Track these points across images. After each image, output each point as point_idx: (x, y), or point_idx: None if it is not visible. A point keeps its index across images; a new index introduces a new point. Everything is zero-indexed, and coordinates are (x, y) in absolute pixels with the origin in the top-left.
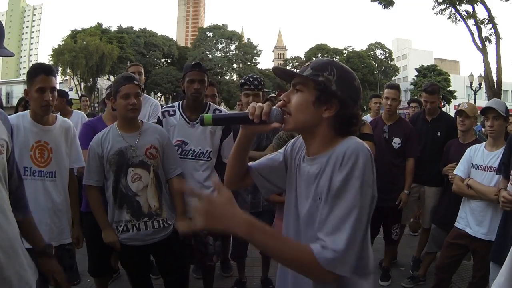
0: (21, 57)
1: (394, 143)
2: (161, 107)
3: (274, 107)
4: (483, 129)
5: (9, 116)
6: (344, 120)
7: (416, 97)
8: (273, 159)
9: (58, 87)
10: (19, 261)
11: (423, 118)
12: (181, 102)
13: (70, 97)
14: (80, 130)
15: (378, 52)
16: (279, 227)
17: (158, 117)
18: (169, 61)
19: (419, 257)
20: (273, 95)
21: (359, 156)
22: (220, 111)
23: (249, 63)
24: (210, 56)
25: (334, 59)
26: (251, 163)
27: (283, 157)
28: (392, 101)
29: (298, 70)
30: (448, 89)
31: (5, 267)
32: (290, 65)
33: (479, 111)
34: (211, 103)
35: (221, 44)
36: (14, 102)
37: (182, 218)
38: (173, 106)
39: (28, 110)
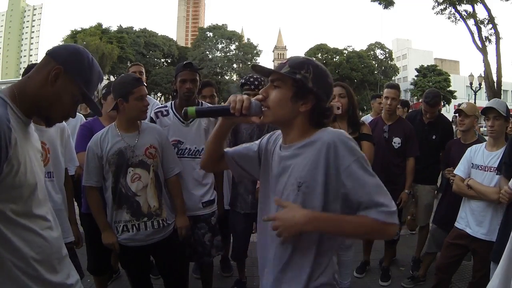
0: (21, 57)
1: (394, 142)
2: None
3: (253, 99)
4: (480, 128)
5: None
6: (319, 113)
7: (416, 97)
8: (248, 148)
9: None
10: (68, 265)
11: (420, 119)
12: (173, 102)
13: None
14: (77, 132)
15: (378, 52)
16: None
17: (151, 118)
18: (169, 61)
19: (419, 257)
20: None
21: (347, 141)
22: None
23: (249, 63)
24: (210, 56)
25: (334, 59)
26: (227, 149)
27: (258, 148)
28: (392, 101)
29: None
30: (448, 89)
31: (58, 270)
32: None
33: (479, 111)
34: (203, 102)
35: (221, 44)
36: None
37: (182, 217)
38: (166, 107)
39: None
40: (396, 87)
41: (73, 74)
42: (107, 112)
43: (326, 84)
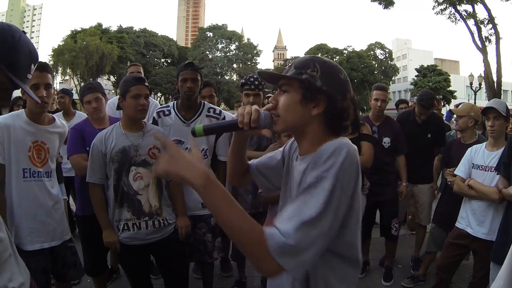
0: None
1: (384, 142)
2: None
3: (263, 109)
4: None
5: (3, 116)
6: (334, 115)
7: (415, 96)
8: (272, 157)
9: (58, 87)
10: (9, 268)
11: (413, 120)
12: (175, 102)
13: None
14: (68, 135)
15: (378, 52)
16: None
17: (154, 117)
18: (169, 61)
19: (419, 256)
20: (270, 95)
21: (339, 155)
22: (215, 109)
23: (249, 63)
24: (210, 56)
25: (334, 59)
26: (251, 161)
27: (282, 156)
28: (381, 102)
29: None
30: (448, 89)
31: None
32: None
33: (480, 111)
34: (205, 102)
35: (221, 44)
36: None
37: (183, 217)
38: (168, 106)
39: (23, 110)
40: (385, 88)
41: None
42: (91, 114)
43: (338, 81)
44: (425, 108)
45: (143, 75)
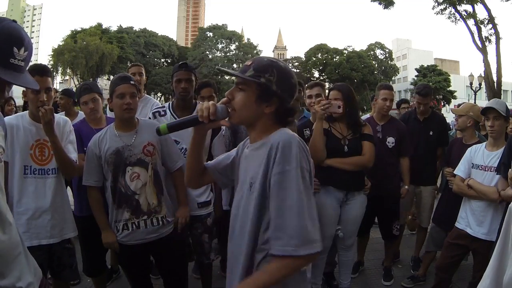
0: None
1: (388, 142)
2: None
3: (218, 103)
4: None
5: (9, 117)
6: (283, 113)
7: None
8: (228, 155)
9: (58, 87)
10: (19, 267)
11: (415, 118)
12: (171, 102)
13: None
14: None
15: (378, 52)
16: None
17: (149, 118)
18: (169, 61)
19: (419, 256)
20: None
21: (291, 146)
22: None
23: None
24: (210, 56)
25: (334, 59)
26: (207, 163)
27: (236, 153)
28: (390, 102)
29: (240, 68)
30: (448, 89)
31: (5, 275)
32: (290, 65)
33: (479, 110)
34: (201, 102)
35: (221, 44)
36: (15, 102)
37: (183, 208)
38: (164, 107)
39: (27, 111)
40: (392, 88)
41: None
42: (88, 115)
43: (290, 85)
44: (421, 95)
45: (144, 75)
